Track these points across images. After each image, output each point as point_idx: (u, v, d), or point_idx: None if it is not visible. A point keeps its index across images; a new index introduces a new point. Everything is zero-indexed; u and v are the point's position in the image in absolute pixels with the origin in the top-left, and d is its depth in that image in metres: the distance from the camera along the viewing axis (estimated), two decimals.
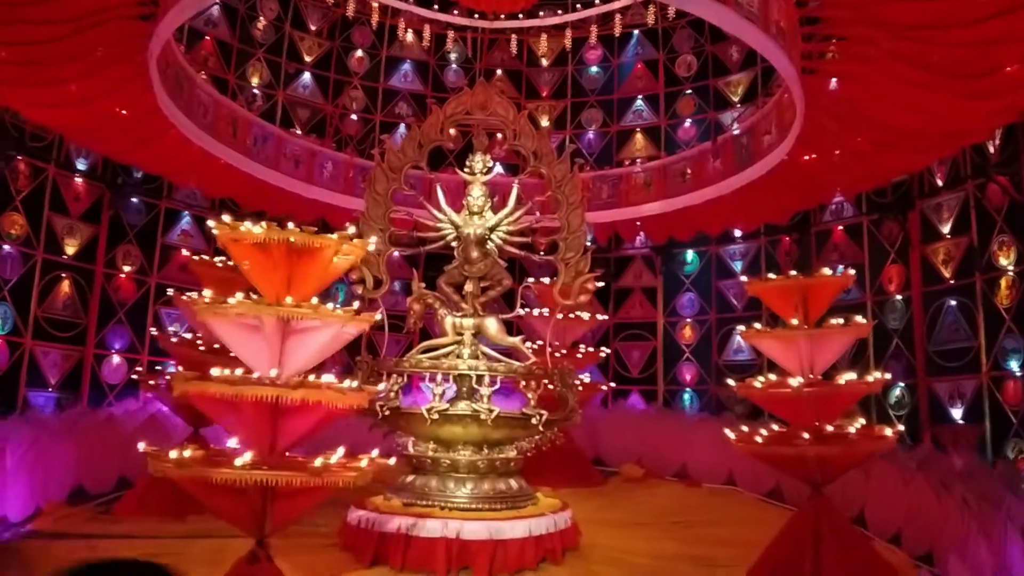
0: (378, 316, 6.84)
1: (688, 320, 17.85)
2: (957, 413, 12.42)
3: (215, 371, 5.17)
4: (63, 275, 13.69)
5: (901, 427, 7.44)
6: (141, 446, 5.01)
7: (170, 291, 11.05)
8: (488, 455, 7.92)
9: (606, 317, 15.81)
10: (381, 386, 7.87)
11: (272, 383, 5.13)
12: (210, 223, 5.78)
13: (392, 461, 5.62)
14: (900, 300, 13.98)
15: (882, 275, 14.39)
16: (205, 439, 9.82)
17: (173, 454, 4.80)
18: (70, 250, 13.89)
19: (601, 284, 9.32)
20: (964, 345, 12.40)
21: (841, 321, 7.29)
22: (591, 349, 14.03)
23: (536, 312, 12.17)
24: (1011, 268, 11.56)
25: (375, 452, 5.51)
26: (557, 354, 13.11)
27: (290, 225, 5.44)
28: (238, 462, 4.76)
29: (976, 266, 12.19)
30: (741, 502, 11.04)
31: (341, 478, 4.96)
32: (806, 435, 6.86)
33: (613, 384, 16.08)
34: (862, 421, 7.55)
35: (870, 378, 7.38)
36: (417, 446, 8.14)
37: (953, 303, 12.72)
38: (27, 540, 7.94)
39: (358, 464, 5.21)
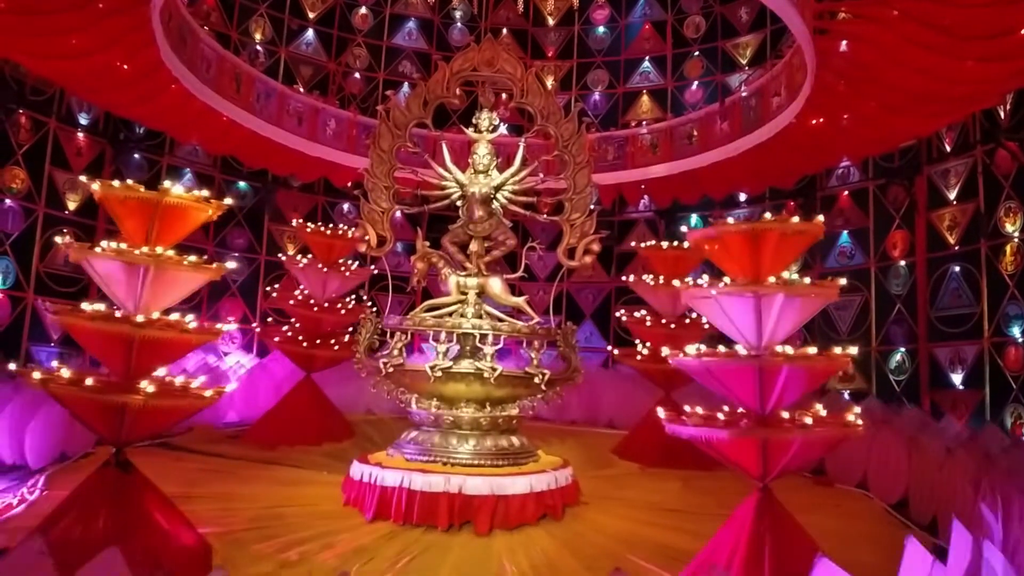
0: (231, 264, 6.92)
1: None
2: (957, 379, 12.47)
3: (86, 306, 5.65)
4: (64, 230, 13.65)
5: (860, 422, 5.44)
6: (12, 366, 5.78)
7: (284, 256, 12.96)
8: (491, 412, 7.98)
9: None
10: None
11: (104, 317, 5.57)
12: (82, 178, 6.32)
13: (225, 391, 5.92)
14: (904, 266, 13.96)
15: (886, 240, 14.34)
16: (316, 384, 11.73)
17: (36, 375, 5.36)
18: (72, 205, 13.84)
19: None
20: (967, 311, 12.41)
21: (802, 280, 5.57)
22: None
23: (647, 279, 11.78)
24: (1017, 234, 11.52)
25: (231, 384, 6.25)
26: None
27: (129, 181, 6.07)
28: (36, 375, 5.31)
29: (982, 232, 12.15)
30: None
31: (135, 399, 5.24)
32: (721, 415, 5.51)
33: (615, 350, 15.62)
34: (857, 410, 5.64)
35: (788, 349, 5.39)
36: (420, 403, 8.21)
37: (957, 269, 12.69)
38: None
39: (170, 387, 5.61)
